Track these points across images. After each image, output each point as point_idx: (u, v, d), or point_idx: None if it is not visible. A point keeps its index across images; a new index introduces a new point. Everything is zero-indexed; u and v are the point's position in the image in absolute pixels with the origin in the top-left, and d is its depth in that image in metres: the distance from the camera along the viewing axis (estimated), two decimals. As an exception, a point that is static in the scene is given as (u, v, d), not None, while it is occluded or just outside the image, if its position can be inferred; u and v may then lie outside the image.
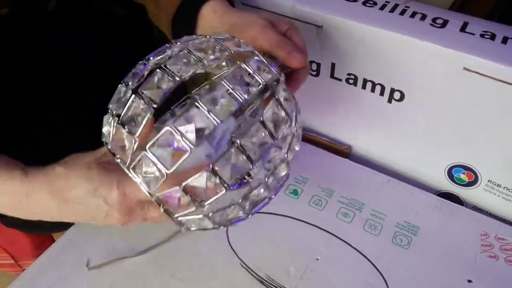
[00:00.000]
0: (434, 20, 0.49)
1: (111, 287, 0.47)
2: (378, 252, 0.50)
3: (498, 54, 0.45)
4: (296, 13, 0.52)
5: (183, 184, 0.33)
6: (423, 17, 0.49)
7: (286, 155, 0.37)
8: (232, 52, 0.35)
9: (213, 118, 0.31)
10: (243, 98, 0.32)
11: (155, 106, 0.32)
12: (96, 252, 0.50)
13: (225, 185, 0.33)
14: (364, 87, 0.55)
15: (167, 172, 0.32)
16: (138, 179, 0.33)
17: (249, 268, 0.49)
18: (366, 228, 0.53)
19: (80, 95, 0.57)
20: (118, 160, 0.34)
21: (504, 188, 0.54)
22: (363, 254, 0.50)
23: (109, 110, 0.35)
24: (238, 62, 0.35)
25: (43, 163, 0.44)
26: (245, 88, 0.33)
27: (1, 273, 0.78)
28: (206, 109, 0.31)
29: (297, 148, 0.39)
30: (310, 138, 0.65)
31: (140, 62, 0.36)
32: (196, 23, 0.46)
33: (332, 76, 0.56)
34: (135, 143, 0.33)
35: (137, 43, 0.62)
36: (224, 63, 0.40)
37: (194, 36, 0.37)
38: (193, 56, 0.34)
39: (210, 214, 0.35)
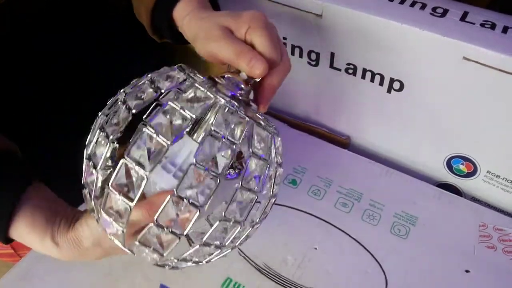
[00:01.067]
0: (434, 9, 0.49)
1: (109, 275, 0.47)
2: (376, 242, 0.50)
3: (498, 43, 0.44)
4: (295, 1, 0.52)
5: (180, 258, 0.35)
6: (423, 6, 0.49)
7: (270, 199, 0.37)
8: (197, 116, 0.31)
9: (198, 204, 0.31)
10: (218, 174, 0.31)
11: (132, 204, 0.31)
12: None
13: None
14: (363, 77, 0.54)
15: (164, 254, 0.33)
16: (138, 256, 0.34)
17: (247, 256, 0.49)
18: (365, 218, 0.53)
19: (80, 95, 0.57)
20: (112, 240, 0.34)
21: (503, 179, 0.54)
22: (361, 244, 0.50)
23: (85, 188, 0.35)
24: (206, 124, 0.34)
25: (42, 163, 0.45)
26: (221, 161, 0.31)
27: (1, 263, 0.78)
28: (188, 198, 0.31)
29: (280, 176, 0.38)
30: (309, 128, 0.65)
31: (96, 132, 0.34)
32: (173, 21, 0.46)
33: (331, 66, 0.56)
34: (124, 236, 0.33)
35: (137, 43, 0.61)
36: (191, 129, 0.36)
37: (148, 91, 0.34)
38: (155, 137, 0.30)
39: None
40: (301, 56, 0.57)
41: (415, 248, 0.50)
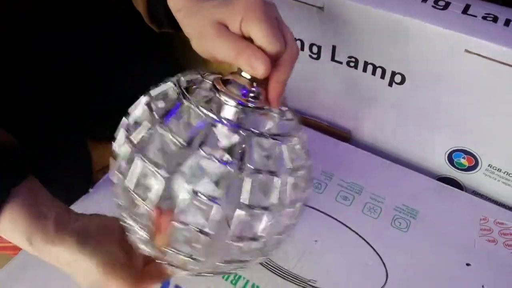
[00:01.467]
0: (436, 2, 0.48)
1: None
2: (377, 235, 0.50)
3: (500, 36, 0.44)
4: (297, -6, 0.52)
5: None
6: (425, -1, 0.49)
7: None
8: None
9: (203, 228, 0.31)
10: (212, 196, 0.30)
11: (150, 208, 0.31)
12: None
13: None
14: (365, 70, 0.54)
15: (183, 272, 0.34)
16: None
17: (247, 249, 0.49)
18: (365, 211, 0.53)
19: (80, 95, 0.57)
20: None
21: (504, 173, 0.53)
22: (362, 237, 0.50)
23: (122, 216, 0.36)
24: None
25: (42, 162, 0.44)
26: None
27: (3, 256, 0.78)
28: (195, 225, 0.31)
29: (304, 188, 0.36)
30: (310, 122, 0.65)
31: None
32: (169, 9, 0.42)
33: (332, 59, 0.56)
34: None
35: (137, 43, 0.61)
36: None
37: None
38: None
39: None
40: (302, 49, 0.57)
41: (415, 241, 0.50)
